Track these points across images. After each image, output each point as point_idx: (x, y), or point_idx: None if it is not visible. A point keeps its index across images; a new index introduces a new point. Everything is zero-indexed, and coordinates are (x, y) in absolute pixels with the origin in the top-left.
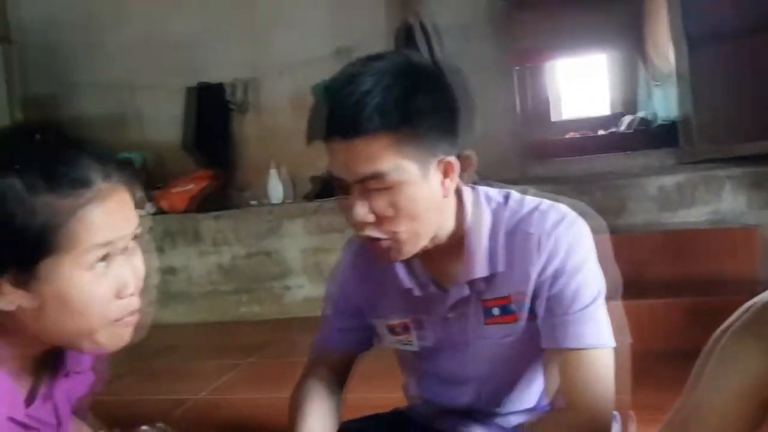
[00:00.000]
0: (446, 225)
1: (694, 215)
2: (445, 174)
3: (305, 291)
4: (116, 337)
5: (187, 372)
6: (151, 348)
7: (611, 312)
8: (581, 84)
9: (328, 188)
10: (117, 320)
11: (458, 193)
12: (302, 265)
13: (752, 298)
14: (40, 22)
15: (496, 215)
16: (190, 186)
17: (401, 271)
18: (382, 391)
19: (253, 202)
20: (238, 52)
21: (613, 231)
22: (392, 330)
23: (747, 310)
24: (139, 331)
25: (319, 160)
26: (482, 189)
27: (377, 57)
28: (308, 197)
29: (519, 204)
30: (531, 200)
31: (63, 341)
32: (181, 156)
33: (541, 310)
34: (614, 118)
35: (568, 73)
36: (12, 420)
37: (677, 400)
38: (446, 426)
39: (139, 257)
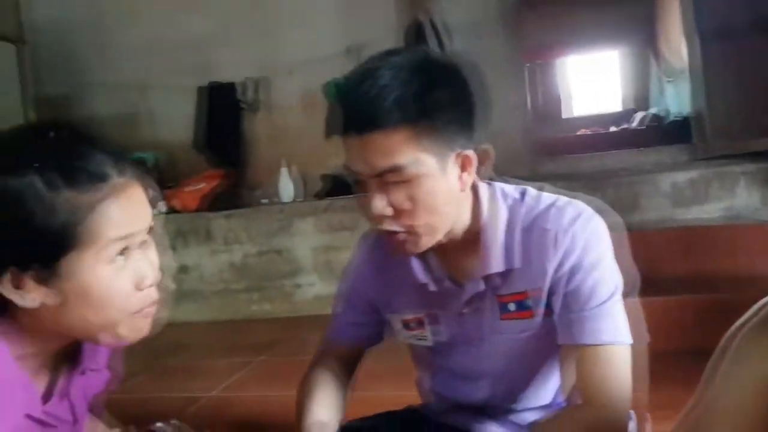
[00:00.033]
0: (462, 219)
1: (708, 212)
2: (463, 168)
3: (316, 289)
4: (136, 328)
5: (199, 370)
6: (164, 346)
7: (628, 309)
8: (592, 80)
9: (339, 186)
10: (137, 312)
11: (474, 189)
12: (313, 263)
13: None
14: (52, 22)
15: (512, 211)
16: (202, 185)
17: (416, 265)
18: (395, 389)
19: (264, 201)
20: (249, 51)
21: (626, 228)
22: (406, 325)
23: (762, 307)
24: (156, 323)
25: (329, 158)
26: (498, 185)
27: (394, 52)
28: (319, 195)
29: (535, 200)
30: (547, 197)
31: (84, 335)
32: (193, 155)
33: (557, 306)
34: (626, 115)
35: (579, 70)
36: (29, 417)
37: (690, 398)
38: (460, 422)
39: (154, 250)
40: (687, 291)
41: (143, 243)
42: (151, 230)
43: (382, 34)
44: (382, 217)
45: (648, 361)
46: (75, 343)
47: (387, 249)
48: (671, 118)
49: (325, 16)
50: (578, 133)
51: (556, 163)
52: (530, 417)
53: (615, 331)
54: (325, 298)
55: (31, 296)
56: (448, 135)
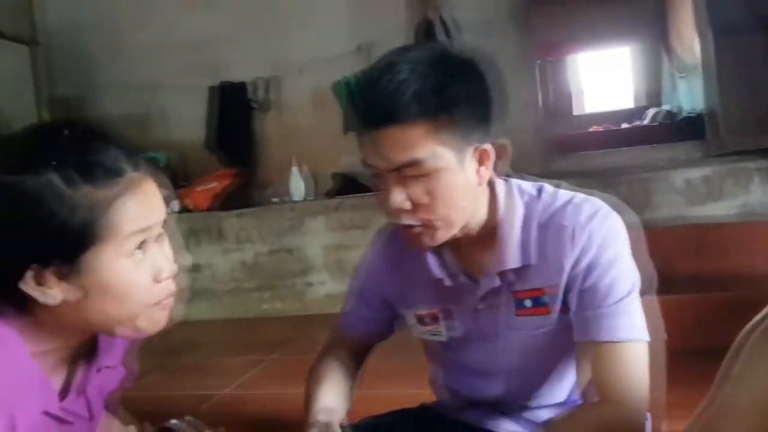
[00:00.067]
0: (478, 214)
1: (722, 209)
2: (481, 162)
3: (327, 288)
4: (155, 320)
5: (212, 368)
6: (177, 344)
7: (645, 307)
8: (604, 77)
9: (350, 185)
10: (156, 304)
11: (491, 184)
12: (324, 261)
13: None
14: (65, 24)
15: (529, 207)
16: (214, 184)
17: (432, 260)
18: (408, 387)
19: (275, 200)
20: (259, 51)
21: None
22: (421, 320)
23: None
24: (172, 316)
25: (340, 157)
26: (515, 181)
27: (412, 47)
28: (329, 194)
29: (552, 197)
30: (564, 193)
31: (103, 329)
32: (204, 155)
33: (573, 303)
34: (638, 111)
35: (590, 66)
36: (47, 414)
37: (703, 398)
38: (474, 419)
39: (167, 243)
40: (701, 289)
41: (159, 236)
42: (165, 223)
43: (392, 32)
44: (400, 211)
45: (665, 360)
46: (91, 340)
47: (403, 242)
48: (684, 114)
49: (335, 15)
50: (590, 130)
51: (567, 161)
52: (545, 414)
53: (632, 329)
54: (336, 297)
55: (52, 293)
56: (466, 129)
